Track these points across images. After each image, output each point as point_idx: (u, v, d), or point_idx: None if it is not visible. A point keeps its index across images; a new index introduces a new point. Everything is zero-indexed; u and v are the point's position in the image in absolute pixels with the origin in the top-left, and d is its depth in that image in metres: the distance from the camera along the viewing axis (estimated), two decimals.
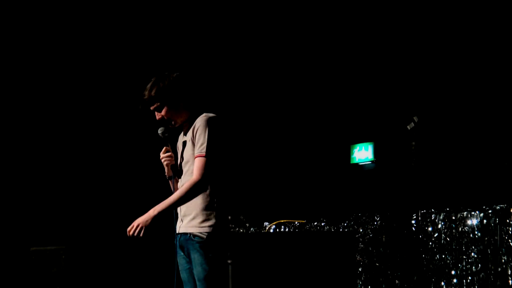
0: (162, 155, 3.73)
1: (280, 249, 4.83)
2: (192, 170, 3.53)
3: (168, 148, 3.73)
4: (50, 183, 7.75)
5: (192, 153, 3.55)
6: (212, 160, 3.47)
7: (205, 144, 3.47)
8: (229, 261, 4.52)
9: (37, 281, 6.15)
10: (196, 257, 3.50)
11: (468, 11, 7.15)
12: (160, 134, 3.72)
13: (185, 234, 3.56)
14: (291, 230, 6.55)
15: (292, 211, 7.48)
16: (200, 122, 3.53)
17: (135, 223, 3.47)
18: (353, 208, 7.45)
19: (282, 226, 6.46)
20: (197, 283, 3.51)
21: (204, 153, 3.46)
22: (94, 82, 7.99)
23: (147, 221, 3.46)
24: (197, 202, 3.54)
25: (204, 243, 3.47)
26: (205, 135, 3.48)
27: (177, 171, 3.70)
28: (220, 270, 3.52)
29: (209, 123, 3.51)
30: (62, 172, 7.85)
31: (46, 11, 7.52)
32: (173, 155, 3.73)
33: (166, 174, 3.78)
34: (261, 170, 8.45)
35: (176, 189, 3.69)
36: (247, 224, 6.62)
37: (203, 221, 3.51)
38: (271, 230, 6.12)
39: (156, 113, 3.70)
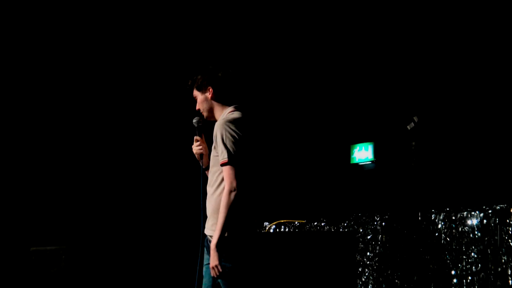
0: (193, 146, 3.80)
1: (280, 249, 4.83)
2: (214, 170, 3.56)
3: (197, 137, 3.79)
4: (50, 183, 7.75)
5: (215, 154, 3.58)
6: (235, 166, 3.46)
7: (225, 151, 3.47)
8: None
9: (37, 281, 6.15)
10: (209, 258, 3.51)
11: (468, 11, 7.15)
12: (194, 124, 3.79)
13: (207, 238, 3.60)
14: (291, 230, 6.55)
15: (292, 211, 7.48)
16: (217, 127, 3.55)
17: (212, 266, 3.45)
18: (353, 208, 7.45)
19: (282, 226, 6.47)
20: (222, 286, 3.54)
21: (227, 159, 3.46)
22: (95, 82, 8.00)
23: (216, 258, 3.44)
24: (210, 205, 3.57)
25: (216, 246, 3.46)
26: (222, 141, 3.49)
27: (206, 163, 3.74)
28: (235, 273, 3.48)
29: (224, 127, 3.52)
30: (62, 172, 7.85)
31: (46, 11, 7.52)
32: (203, 145, 3.78)
33: (201, 165, 3.81)
34: (260, 169, 8.43)
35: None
36: None
37: (214, 223, 3.52)
38: (271, 230, 6.12)
39: (196, 102, 3.79)
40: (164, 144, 7.84)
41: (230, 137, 3.50)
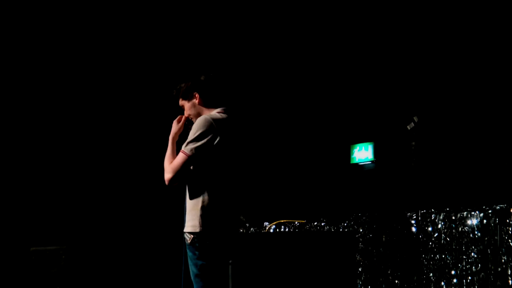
0: (176, 124, 3.87)
1: (280, 249, 4.83)
2: (196, 173, 3.58)
3: (182, 117, 3.86)
4: (50, 183, 7.75)
5: None
6: (189, 158, 3.51)
7: (190, 144, 3.53)
8: (229, 261, 4.52)
9: (37, 281, 6.15)
10: (188, 258, 3.59)
11: (468, 11, 7.15)
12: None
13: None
14: (291, 230, 6.55)
15: (292, 211, 7.48)
16: (196, 122, 3.61)
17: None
18: (353, 208, 7.45)
19: (282, 226, 6.46)
20: (192, 279, 3.59)
21: (187, 152, 3.52)
22: (95, 82, 8.00)
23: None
24: (187, 204, 3.62)
25: (189, 244, 3.55)
26: (193, 134, 3.54)
27: None
28: (208, 271, 3.53)
29: (198, 122, 3.57)
30: (62, 172, 7.85)
31: (46, 11, 7.51)
32: (181, 126, 3.83)
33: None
34: (261, 170, 8.45)
35: None
36: (247, 224, 6.62)
37: (189, 220, 3.58)
38: (271, 230, 6.12)
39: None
40: (164, 144, 7.83)
41: (200, 133, 3.53)
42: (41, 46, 7.67)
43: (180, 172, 3.51)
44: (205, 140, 3.52)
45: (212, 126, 3.54)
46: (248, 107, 8.48)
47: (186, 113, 3.78)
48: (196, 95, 3.74)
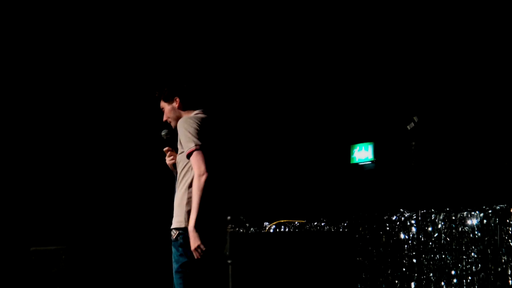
0: (167, 160, 3.91)
1: (280, 249, 4.83)
2: (180, 166, 3.65)
3: (167, 148, 3.90)
4: (50, 183, 7.75)
5: (180, 155, 3.67)
6: (203, 150, 3.54)
7: (190, 140, 3.57)
8: (229, 261, 4.52)
9: (37, 281, 6.15)
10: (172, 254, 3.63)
11: (468, 11, 7.15)
12: (163, 136, 3.93)
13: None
14: (291, 230, 6.54)
15: (292, 211, 7.47)
16: (179, 123, 3.67)
17: (194, 248, 3.50)
18: (353, 208, 7.44)
19: (282, 226, 6.46)
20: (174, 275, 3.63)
21: (194, 147, 3.55)
22: (94, 82, 7.99)
23: (195, 240, 3.49)
24: (176, 200, 3.66)
25: (173, 240, 3.60)
26: (184, 133, 3.60)
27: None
28: (189, 269, 3.54)
29: (184, 122, 3.64)
30: (62, 172, 7.84)
31: (46, 11, 7.51)
32: (173, 155, 3.86)
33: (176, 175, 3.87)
34: (261, 170, 8.44)
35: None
36: (247, 224, 6.62)
37: (177, 215, 3.62)
38: (271, 230, 6.12)
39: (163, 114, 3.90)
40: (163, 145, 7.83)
41: (193, 129, 3.60)
42: (41, 46, 7.67)
43: (206, 165, 3.51)
44: (197, 129, 3.59)
45: (197, 123, 3.63)
46: (248, 107, 8.48)
47: (165, 116, 3.87)
48: (177, 99, 3.82)
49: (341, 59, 8.31)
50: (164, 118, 3.88)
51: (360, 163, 8.64)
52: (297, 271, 4.77)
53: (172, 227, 3.62)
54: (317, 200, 8.33)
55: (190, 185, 3.57)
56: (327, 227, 6.56)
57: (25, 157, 7.71)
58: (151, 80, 7.81)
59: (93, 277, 6.58)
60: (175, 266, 3.57)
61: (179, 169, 3.68)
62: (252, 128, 8.41)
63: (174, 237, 3.56)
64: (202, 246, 3.47)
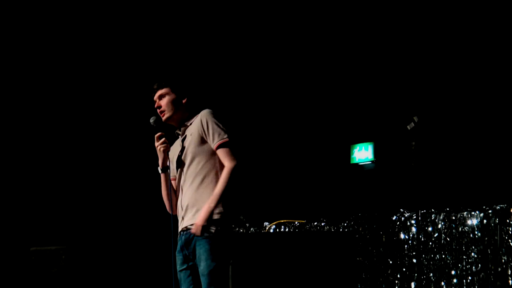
0: (156, 143, 3.73)
1: (280, 249, 4.83)
2: (197, 161, 3.56)
3: (162, 133, 3.74)
4: (50, 183, 7.75)
5: (199, 147, 3.57)
6: (234, 145, 3.53)
7: (222, 132, 3.53)
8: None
9: (37, 281, 6.15)
10: (202, 251, 3.46)
11: (468, 11, 7.15)
12: (152, 123, 3.74)
13: (190, 228, 3.53)
14: (291, 230, 6.55)
15: (292, 211, 7.47)
16: (204, 115, 3.59)
17: (200, 224, 3.44)
18: (353, 208, 7.44)
19: (282, 226, 6.46)
20: (201, 278, 3.47)
21: (226, 139, 3.52)
22: (94, 82, 7.99)
23: (206, 218, 3.44)
24: (201, 194, 3.54)
25: (211, 237, 3.45)
26: (217, 124, 3.55)
27: (179, 161, 3.69)
28: (224, 265, 3.48)
29: (213, 114, 3.59)
30: (62, 172, 7.85)
31: (46, 11, 7.51)
32: (167, 140, 3.74)
33: (161, 165, 3.75)
34: (261, 170, 8.44)
35: (169, 182, 3.71)
36: (247, 224, 6.62)
37: (198, 211, 3.50)
38: (271, 230, 6.13)
39: (157, 100, 3.73)
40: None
41: (220, 124, 3.56)
42: (40, 46, 7.67)
43: (236, 156, 3.51)
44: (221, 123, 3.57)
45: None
46: (248, 107, 8.48)
47: (163, 105, 3.70)
48: (185, 99, 3.72)
49: (341, 59, 8.31)
50: (158, 105, 3.71)
51: (360, 163, 8.64)
52: (297, 271, 4.77)
53: (190, 223, 3.51)
54: (317, 200, 8.33)
55: (217, 179, 3.51)
56: (327, 227, 6.56)
57: (25, 157, 7.71)
58: (151, 80, 7.80)
59: (93, 277, 6.58)
60: (210, 264, 3.43)
61: (195, 162, 3.57)
62: (252, 128, 8.41)
63: (213, 231, 3.43)
64: (203, 228, 3.43)
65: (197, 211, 3.51)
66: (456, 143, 7.30)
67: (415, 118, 4.97)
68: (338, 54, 8.29)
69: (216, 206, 3.44)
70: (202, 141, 3.57)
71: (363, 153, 8.60)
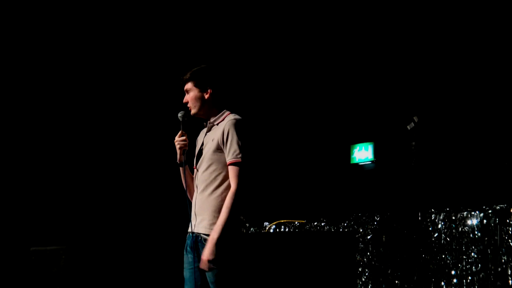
0: (177, 138, 3.71)
1: (280, 249, 4.83)
2: (212, 169, 3.56)
3: (183, 132, 3.71)
4: (50, 183, 7.75)
5: (216, 155, 3.57)
6: (246, 166, 3.50)
7: (238, 151, 3.50)
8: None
9: (37, 281, 6.15)
10: (192, 257, 3.51)
11: (468, 11, 7.15)
12: (179, 117, 3.71)
13: (197, 235, 3.55)
14: (291, 230, 6.55)
15: (292, 211, 7.48)
16: (229, 125, 3.56)
17: (207, 259, 3.43)
18: (353, 208, 7.44)
19: (282, 226, 6.46)
20: (210, 285, 3.49)
21: (240, 159, 3.50)
22: (94, 82, 7.99)
23: (213, 252, 3.43)
24: (209, 204, 3.55)
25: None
26: (237, 140, 3.52)
27: (193, 159, 3.70)
28: (231, 272, 3.48)
29: (238, 127, 3.55)
30: (62, 172, 7.85)
31: (46, 11, 7.51)
32: (187, 140, 3.71)
33: (177, 159, 3.74)
34: (261, 170, 8.44)
35: (187, 177, 3.71)
36: (247, 224, 6.62)
37: (213, 223, 3.49)
38: (271, 230, 6.12)
39: (185, 95, 3.71)
40: (164, 145, 7.84)
41: (243, 139, 3.53)
42: (40, 46, 7.67)
43: (245, 182, 3.52)
44: (247, 142, 3.57)
45: (248, 134, 3.59)
46: (248, 107, 8.47)
47: (190, 101, 3.66)
48: (209, 90, 3.66)
49: (341, 59, 8.31)
50: (187, 101, 3.66)
51: (360, 163, 8.64)
52: (297, 271, 4.77)
53: (205, 232, 3.52)
54: (317, 200, 8.33)
55: (227, 192, 3.51)
56: (327, 227, 6.56)
57: (25, 157, 7.71)
58: (154, 80, 7.81)
59: (93, 277, 6.58)
60: (216, 272, 3.45)
61: (210, 170, 3.57)
62: (252, 128, 8.40)
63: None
64: (211, 264, 3.42)
65: (202, 220, 3.54)
66: (456, 143, 7.30)
67: (415, 118, 4.97)
68: (338, 54, 8.30)
69: (219, 236, 3.44)
70: (221, 150, 3.56)
71: (363, 153, 8.60)
